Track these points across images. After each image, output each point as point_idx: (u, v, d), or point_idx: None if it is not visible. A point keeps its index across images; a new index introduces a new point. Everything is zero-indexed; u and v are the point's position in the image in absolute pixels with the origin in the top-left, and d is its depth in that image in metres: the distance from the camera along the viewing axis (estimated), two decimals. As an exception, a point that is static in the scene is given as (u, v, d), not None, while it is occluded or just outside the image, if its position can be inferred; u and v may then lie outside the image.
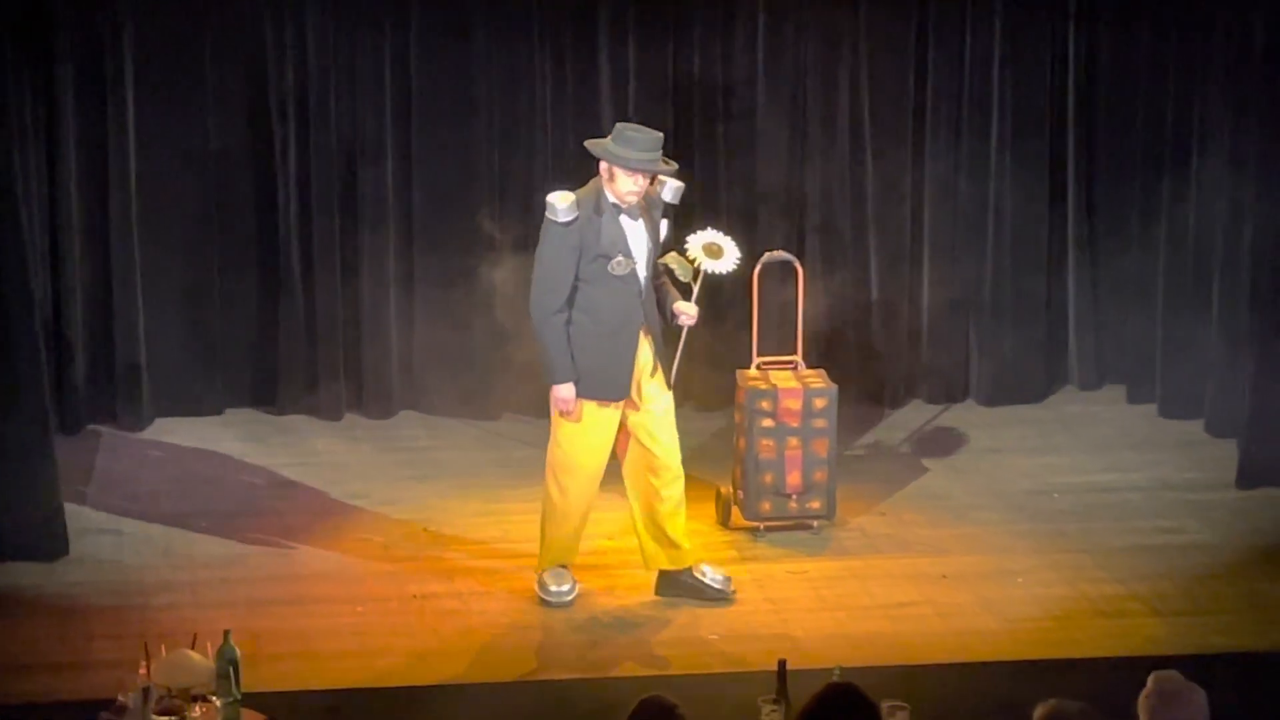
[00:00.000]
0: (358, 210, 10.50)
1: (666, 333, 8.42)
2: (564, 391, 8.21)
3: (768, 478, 9.03)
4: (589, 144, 8.25)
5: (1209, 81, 10.29)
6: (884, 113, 10.76)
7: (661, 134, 8.18)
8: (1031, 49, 10.80)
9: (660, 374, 8.30)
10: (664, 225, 8.33)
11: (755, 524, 9.09)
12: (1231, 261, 10.19)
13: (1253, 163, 9.89)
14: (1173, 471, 10.04)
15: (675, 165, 8.21)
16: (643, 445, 8.34)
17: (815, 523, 9.13)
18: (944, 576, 8.77)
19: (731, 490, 9.24)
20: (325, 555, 8.94)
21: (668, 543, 8.42)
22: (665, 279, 8.45)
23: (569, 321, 8.18)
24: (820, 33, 10.67)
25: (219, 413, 10.63)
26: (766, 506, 9.05)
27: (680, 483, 8.41)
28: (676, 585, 8.46)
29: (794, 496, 9.06)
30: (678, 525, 8.43)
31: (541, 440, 10.39)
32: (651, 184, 8.19)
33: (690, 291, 8.39)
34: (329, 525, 9.25)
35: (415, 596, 8.52)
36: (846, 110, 10.74)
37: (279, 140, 10.40)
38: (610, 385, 8.23)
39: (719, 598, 8.41)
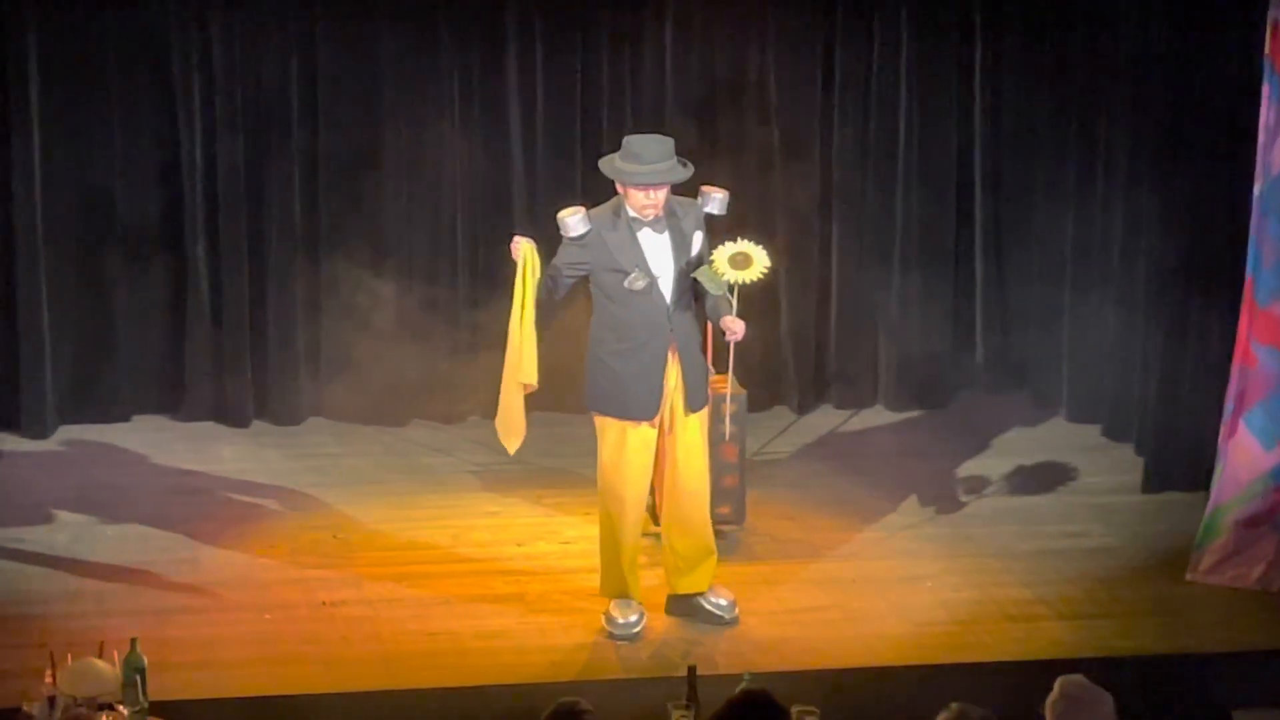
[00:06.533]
0: (264, 216, 10.45)
1: (718, 349, 8.14)
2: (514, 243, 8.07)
3: (678, 483, 9.04)
4: (600, 163, 8.07)
5: (1113, 97, 10.37)
6: (791, 120, 10.79)
7: (671, 140, 7.97)
8: (938, 63, 10.85)
9: (686, 396, 8.09)
10: (698, 238, 8.06)
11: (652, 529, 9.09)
12: (1129, 270, 10.29)
13: (1151, 176, 10.00)
14: (1078, 476, 10.11)
15: (689, 169, 7.97)
16: (670, 468, 8.21)
17: (725, 527, 9.13)
18: (852, 581, 8.80)
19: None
20: (232, 562, 8.89)
21: (683, 567, 8.33)
22: (724, 293, 8.08)
23: (597, 341, 8.08)
24: (727, 41, 10.69)
25: (125, 419, 10.56)
26: (677, 512, 9.06)
27: (701, 510, 8.27)
28: (684, 607, 8.37)
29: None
30: (696, 551, 8.30)
31: (449, 446, 10.44)
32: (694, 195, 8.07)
33: (730, 305, 8.05)
34: (236, 532, 9.20)
35: (324, 604, 8.48)
36: (754, 116, 10.78)
37: (185, 146, 10.34)
38: (637, 405, 8.05)
39: (717, 622, 8.32)
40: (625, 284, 7.97)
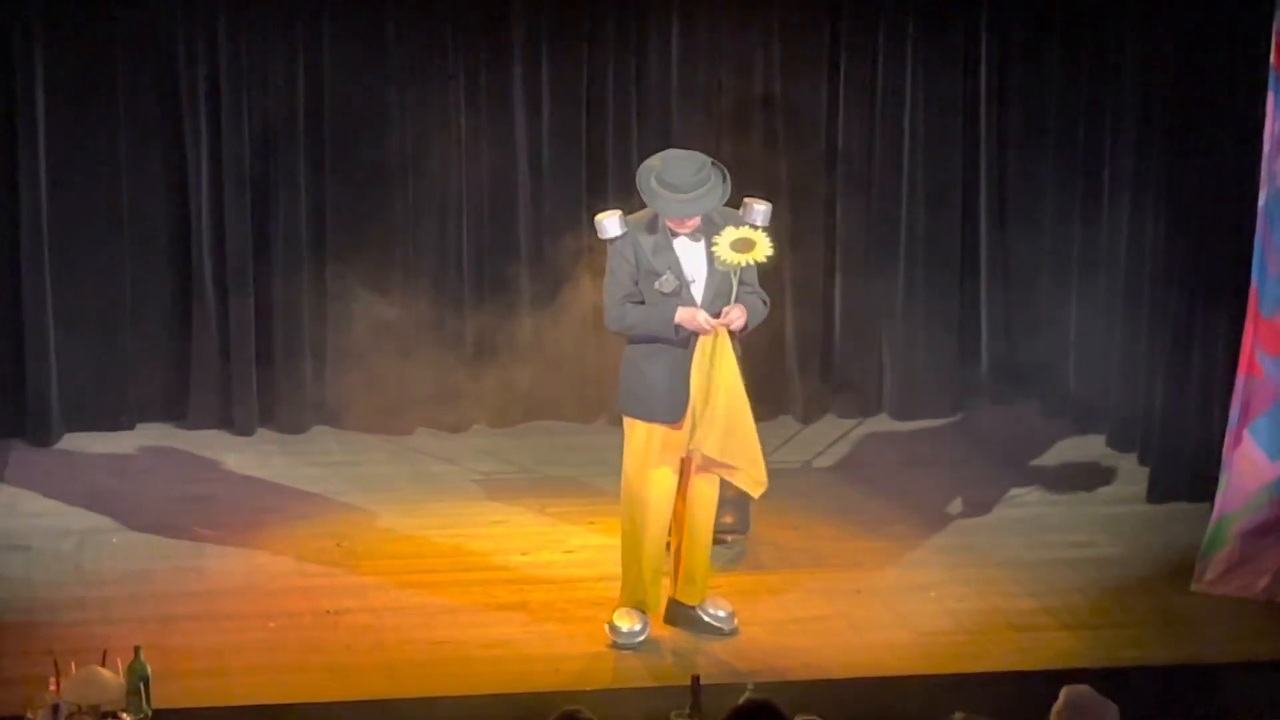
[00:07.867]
0: (270, 224, 10.46)
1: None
2: (684, 315, 7.89)
3: (683, 492, 9.03)
4: (639, 174, 7.98)
5: (1118, 107, 10.36)
6: (796, 126, 10.80)
7: (705, 160, 7.88)
8: (944, 71, 10.85)
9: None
10: None
11: (670, 539, 9.07)
12: (1135, 279, 10.28)
13: (1156, 185, 10.01)
14: (1084, 485, 10.10)
15: (725, 187, 7.89)
16: (687, 473, 8.18)
17: (729, 537, 9.12)
18: (857, 591, 8.79)
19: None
20: (237, 571, 8.88)
21: (685, 575, 8.31)
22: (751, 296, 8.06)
23: (633, 343, 8.03)
24: (734, 45, 10.70)
25: (130, 427, 10.56)
26: (681, 521, 9.05)
27: (701, 518, 8.23)
28: (683, 616, 8.34)
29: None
30: (697, 561, 8.28)
31: (454, 455, 10.43)
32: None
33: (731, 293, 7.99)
34: (240, 540, 9.19)
35: (328, 612, 8.48)
36: (759, 122, 10.77)
37: (191, 153, 10.35)
38: (663, 407, 8.00)
39: (716, 633, 8.30)
40: (656, 285, 7.96)
